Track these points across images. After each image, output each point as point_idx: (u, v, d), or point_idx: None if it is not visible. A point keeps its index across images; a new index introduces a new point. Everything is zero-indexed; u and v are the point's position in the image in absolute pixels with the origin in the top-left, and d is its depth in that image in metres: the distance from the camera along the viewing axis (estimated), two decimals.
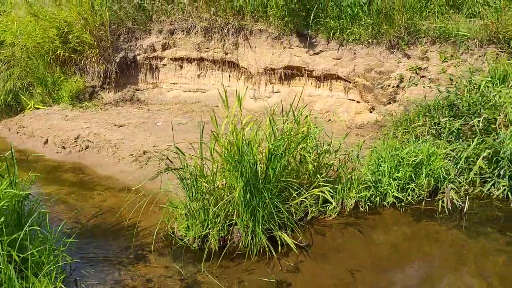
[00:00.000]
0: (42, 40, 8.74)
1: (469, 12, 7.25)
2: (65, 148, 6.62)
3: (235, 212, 3.90)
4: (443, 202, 4.61)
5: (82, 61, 9.04)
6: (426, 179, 4.75)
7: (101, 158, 6.26)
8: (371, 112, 7.88)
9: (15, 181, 3.28)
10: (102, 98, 9.41)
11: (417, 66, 7.13)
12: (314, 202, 4.36)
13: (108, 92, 9.53)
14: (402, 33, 7.22)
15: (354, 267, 3.69)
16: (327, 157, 4.62)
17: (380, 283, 3.54)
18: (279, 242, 3.91)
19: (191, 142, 4.36)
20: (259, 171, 3.78)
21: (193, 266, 3.74)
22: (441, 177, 4.81)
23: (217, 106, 9.28)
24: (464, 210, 4.60)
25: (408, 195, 4.73)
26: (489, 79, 5.33)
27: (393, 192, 4.65)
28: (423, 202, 4.77)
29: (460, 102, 5.80)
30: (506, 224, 4.45)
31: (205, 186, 3.88)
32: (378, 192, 4.70)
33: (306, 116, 4.58)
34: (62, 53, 8.80)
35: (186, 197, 3.99)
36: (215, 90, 9.61)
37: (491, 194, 4.92)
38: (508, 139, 4.72)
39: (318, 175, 4.39)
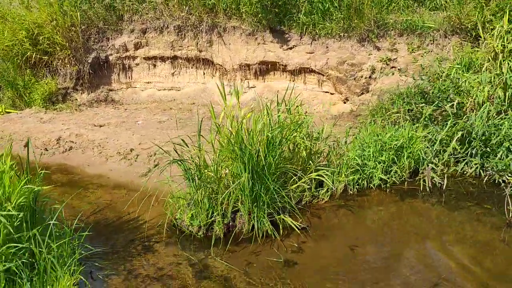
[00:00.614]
0: (11, 43, 8.55)
1: (432, 5, 7.72)
2: (47, 150, 6.57)
3: (239, 199, 4.09)
4: (424, 181, 4.98)
5: (54, 63, 8.91)
6: (407, 161, 5.11)
7: (87, 158, 6.27)
8: (345, 103, 8.25)
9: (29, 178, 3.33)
10: (76, 99, 9.31)
11: (387, 57, 7.54)
12: (308, 187, 4.61)
13: (81, 93, 9.44)
14: (372, 26, 7.61)
15: (352, 243, 3.98)
16: (317, 144, 4.88)
17: (380, 255, 3.85)
18: (280, 226, 4.14)
19: (183, 137, 4.49)
20: (262, 159, 3.99)
21: (201, 253, 3.91)
22: (421, 158, 5.18)
23: (193, 103, 9.42)
24: (443, 188, 4.99)
25: (392, 176, 5.07)
26: (459, 66, 5.76)
27: (379, 174, 4.97)
28: (406, 183, 5.13)
29: (430, 90, 6.25)
30: (481, 197, 4.88)
31: (210, 175, 4.04)
32: (364, 175, 5.02)
33: (297, 106, 4.82)
34: (33, 55, 8.65)
35: (190, 187, 4.14)
36: (190, 87, 9.77)
37: (465, 172, 5.34)
38: (478, 120, 5.15)
39: (311, 161, 4.65)
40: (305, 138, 4.68)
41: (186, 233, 4.14)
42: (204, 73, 9.70)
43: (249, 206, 4.04)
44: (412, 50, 7.40)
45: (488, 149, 5.21)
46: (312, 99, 8.65)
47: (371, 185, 5.05)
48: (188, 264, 3.75)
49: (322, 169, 4.46)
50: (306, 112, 8.43)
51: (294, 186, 4.41)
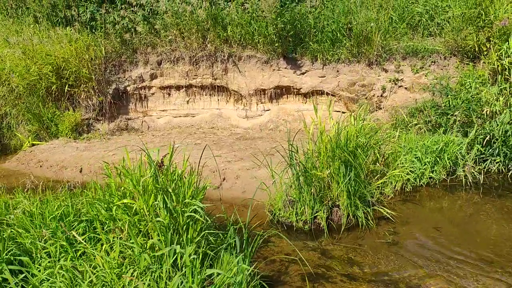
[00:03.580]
0: (37, 77, 8.83)
1: (426, 32, 8.98)
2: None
3: (338, 195, 4.81)
4: (465, 177, 5.95)
5: (79, 95, 9.25)
6: (448, 162, 6.07)
7: None
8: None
9: None
10: (98, 129, 9.64)
11: (395, 78, 8.63)
12: (378, 185, 5.42)
13: (102, 123, 9.79)
14: (380, 51, 8.70)
15: (434, 226, 4.82)
16: (381, 149, 5.74)
17: (462, 232, 4.69)
18: (369, 217, 4.88)
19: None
20: (359, 161, 4.77)
21: (313, 241, 4.56)
22: (458, 159, 6.17)
23: (212, 128, 10.04)
24: (479, 182, 5.98)
25: (437, 175, 6.01)
26: (479, 81, 6.89)
27: (428, 173, 5.89)
28: (448, 180, 6.07)
29: (442, 103, 7.36)
30: (510, 188, 5.91)
31: (315, 175, 4.74)
32: (415, 174, 5.91)
33: (364, 120, 5.66)
34: (57, 88, 8.97)
35: (295, 188, 4.81)
36: (205, 113, 10.40)
37: (490, 170, 6.38)
38: (499, 125, 6.24)
39: (377, 163, 5.49)
40: (377, 144, 5.52)
41: (292, 228, 4.78)
42: (218, 99, 10.37)
43: (347, 200, 4.78)
44: (416, 71, 8.55)
45: (508, 149, 6.30)
46: (326, 118, 9.55)
47: (421, 182, 5.94)
48: (309, 250, 4.39)
49: (404, 166, 5.31)
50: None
51: (378, 183, 5.21)
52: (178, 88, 10.31)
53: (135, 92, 10.18)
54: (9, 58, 8.91)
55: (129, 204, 3.33)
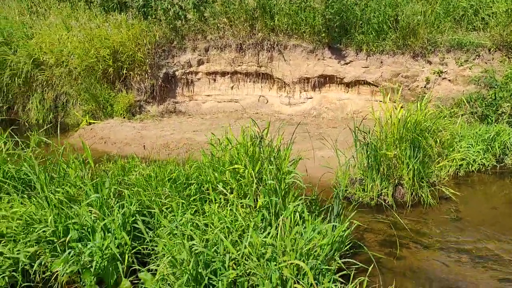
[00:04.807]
0: (95, 60, 9.31)
1: (470, 26, 9.25)
2: (170, 151, 7.40)
3: (404, 174, 5.21)
4: None
5: (135, 78, 9.73)
6: (498, 150, 6.42)
7: None
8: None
9: None
10: (149, 111, 10.12)
11: (439, 70, 8.94)
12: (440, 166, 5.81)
13: (152, 105, 10.26)
14: (425, 44, 9.01)
15: (491, 206, 5.20)
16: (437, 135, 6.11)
17: None
18: (431, 196, 5.27)
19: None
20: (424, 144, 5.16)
21: (382, 214, 4.97)
22: (506, 147, 6.51)
23: (257, 113, 10.46)
24: None
25: (487, 161, 6.36)
26: None
27: (479, 160, 6.24)
28: (497, 167, 6.42)
29: (488, 94, 7.70)
30: None
31: (384, 155, 5.14)
32: (467, 160, 6.27)
33: (426, 106, 6.02)
34: (115, 70, 9.45)
35: (360, 167, 5.22)
36: (248, 99, 10.81)
37: None
38: None
39: (437, 147, 5.87)
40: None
41: (359, 203, 5.19)
42: (261, 86, 10.76)
43: (411, 179, 5.17)
44: (460, 64, 8.84)
45: None
46: (367, 107, 9.91)
47: (472, 168, 6.30)
48: (378, 222, 4.79)
49: (463, 149, 5.69)
50: (365, 118, 9.77)
51: (440, 164, 5.59)
52: (223, 74, 10.71)
53: (182, 76, 10.62)
54: (69, 41, 9.39)
55: (238, 169, 3.76)
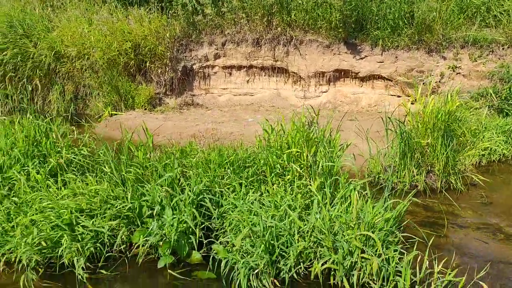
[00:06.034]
0: (117, 53, 9.49)
1: (483, 23, 9.56)
2: (199, 140, 7.62)
3: (434, 162, 5.49)
4: None
5: (156, 71, 9.92)
6: None
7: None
8: (412, 103, 9.84)
9: None
10: (167, 103, 10.32)
11: (453, 65, 9.24)
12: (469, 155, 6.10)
13: (171, 98, 10.47)
14: (440, 40, 9.30)
15: None
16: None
17: None
18: (460, 182, 5.55)
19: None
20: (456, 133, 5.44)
21: (417, 199, 5.22)
22: None
23: (272, 106, 10.70)
24: None
25: (508, 152, 6.67)
26: None
27: (501, 150, 6.55)
28: None
29: (503, 89, 8.01)
30: None
31: (418, 143, 5.41)
32: (489, 151, 6.57)
33: (452, 96, 6.29)
34: (136, 63, 9.64)
35: (392, 155, 5.49)
36: (264, 93, 11.04)
37: None
38: None
39: (460, 138, 6.15)
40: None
41: (393, 189, 5.45)
42: (277, 80, 11.00)
43: (444, 166, 5.45)
44: (474, 59, 9.15)
45: None
46: (382, 101, 10.20)
47: (494, 158, 6.60)
48: (413, 206, 5.05)
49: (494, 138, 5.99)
50: (379, 111, 10.05)
51: (468, 153, 5.88)
52: (239, 68, 10.92)
53: (199, 70, 10.82)
54: (92, 34, 9.56)
55: (294, 152, 4.01)
